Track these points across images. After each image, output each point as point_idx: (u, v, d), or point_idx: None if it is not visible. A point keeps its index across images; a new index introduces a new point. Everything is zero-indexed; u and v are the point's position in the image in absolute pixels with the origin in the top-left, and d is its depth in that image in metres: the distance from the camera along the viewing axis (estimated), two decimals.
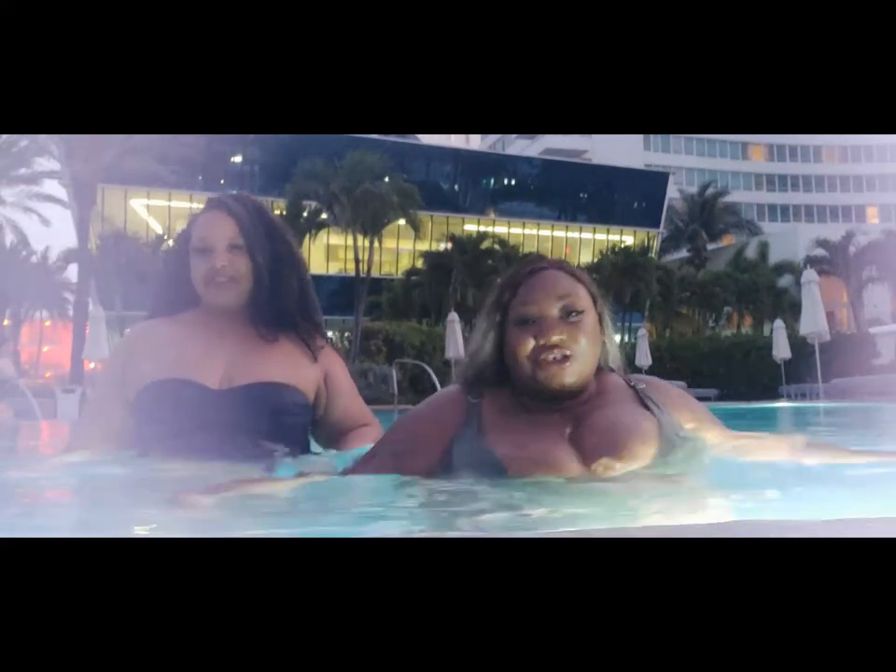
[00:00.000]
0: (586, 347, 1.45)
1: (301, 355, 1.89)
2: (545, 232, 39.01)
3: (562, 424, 1.45)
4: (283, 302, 1.88)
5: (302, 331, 1.91)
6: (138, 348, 1.86)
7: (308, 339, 1.91)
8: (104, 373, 1.87)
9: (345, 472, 1.51)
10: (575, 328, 1.44)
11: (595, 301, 1.52)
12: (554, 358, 1.42)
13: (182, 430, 1.71)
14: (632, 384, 1.53)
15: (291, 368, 1.86)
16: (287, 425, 1.80)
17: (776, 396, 16.46)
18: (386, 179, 25.59)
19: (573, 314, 1.46)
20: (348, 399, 1.95)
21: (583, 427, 1.43)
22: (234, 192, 2.02)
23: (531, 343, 1.44)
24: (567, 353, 1.43)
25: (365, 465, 1.50)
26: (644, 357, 18.69)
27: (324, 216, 25.33)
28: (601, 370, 1.55)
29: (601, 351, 1.52)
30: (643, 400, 1.49)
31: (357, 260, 25.92)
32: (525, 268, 1.54)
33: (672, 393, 1.57)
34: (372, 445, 1.57)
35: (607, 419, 1.44)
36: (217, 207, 1.88)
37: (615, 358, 1.57)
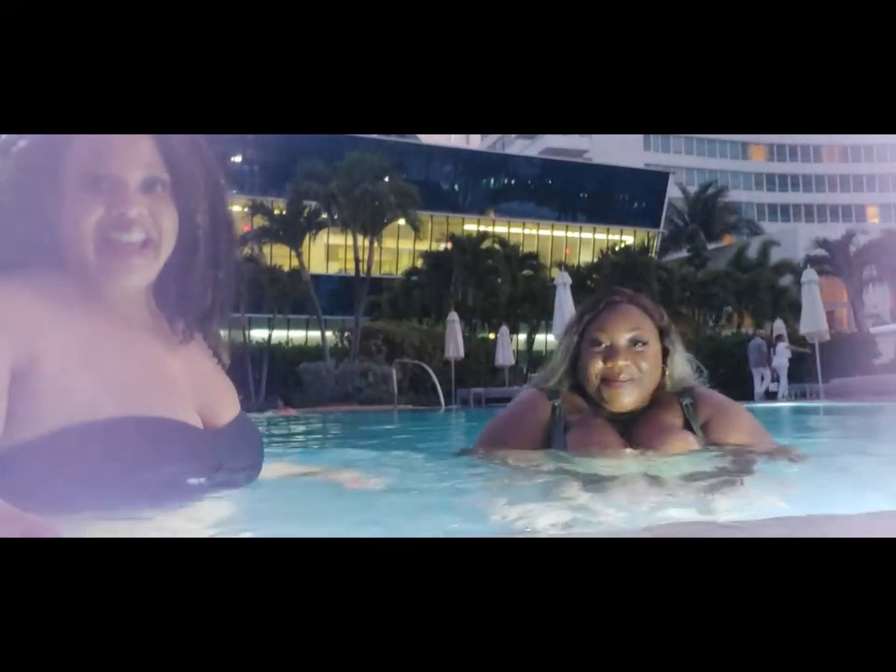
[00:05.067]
0: (647, 373, 1.71)
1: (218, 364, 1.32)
2: (545, 232, 38.97)
3: (618, 424, 1.73)
4: (213, 286, 1.22)
5: (212, 333, 1.29)
6: (47, 332, 1.04)
7: (216, 344, 1.31)
8: None
9: (463, 452, 1.88)
10: (639, 356, 1.71)
11: (661, 334, 1.77)
12: (618, 381, 1.69)
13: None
14: (680, 399, 1.77)
15: (230, 386, 1.32)
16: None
17: (776, 395, 16.47)
18: (386, 179, 25.57)
19: (639, 344, 1.72)
20: None
21: (634, 428, 1.72)
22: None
23: (600, 364, 1.71)
24: (630, 377, 1.69)
25: (478, 448, 1.84)
26: None
27: (324, 215, 25.31)
28: (659, 387, 1.77)
29: (664, 375, 1.76)
30: (684, 413, 1.74)
31: (356, 260, 25.91)
32: (604, 298, 1.81)
33: (715, 403, 1.79)
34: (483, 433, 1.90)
35: (651, 424, 1.71)
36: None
37: (680, 381, 1.79)
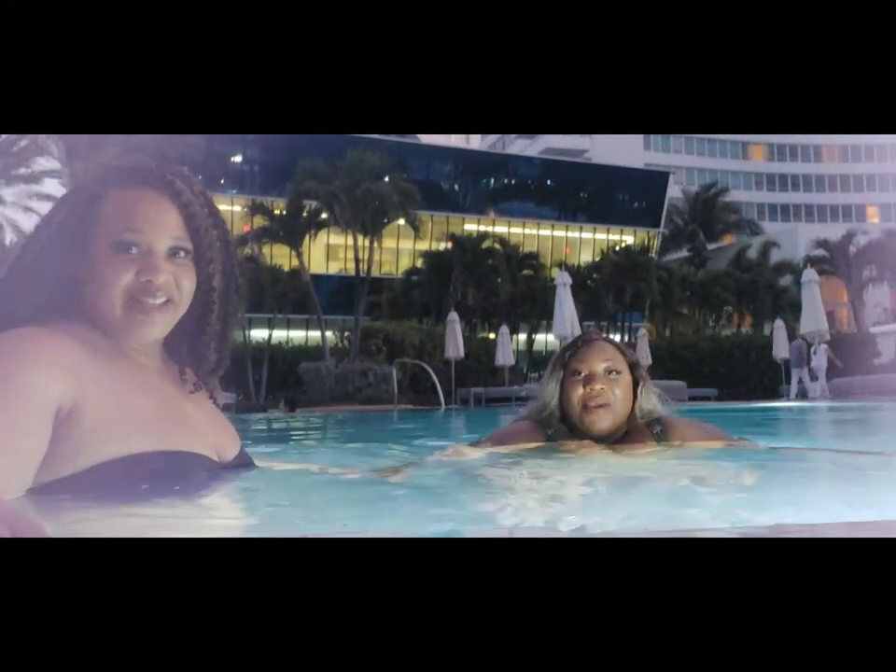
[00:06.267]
0: (620, 399, 1.97)
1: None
2: (545, 232, 38.98)
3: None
4: (220, 341, 1.37)
5: (210, 382, 1.41)
6: (87, 376, 1.15)
7: (212, 389, 1.43)
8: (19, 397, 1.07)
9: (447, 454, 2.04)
10: (614, 383, 1.98)
11: (632, 367, 2.04)
12: (596, 404, 1.95)
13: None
14: (651, 428, 2.02)
15: (231, 425, 1.46)
16: None
17: (776, 395, 16.47)
18: (386, 179, 25.56)
19: (613, 372, 1.99)
20: None
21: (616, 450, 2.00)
22: (169, 166, 1.31)
23: (580, 390, 1.97)
24: (606, 401, 1.95)
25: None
26: (644, 358, 18.69)
27: (324, 215, 25.28)
28: (631, 418, 2.02)
29: (635, 405, 2.00)
30: (656, 440, 2.00)
31: (356, 260, 25.89)
32: (581, 337, 2.11)
33: (685, 428, 2.05)
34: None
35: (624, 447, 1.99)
36: (157, 186, 1.25)
37: (649, 412, 2.04)
